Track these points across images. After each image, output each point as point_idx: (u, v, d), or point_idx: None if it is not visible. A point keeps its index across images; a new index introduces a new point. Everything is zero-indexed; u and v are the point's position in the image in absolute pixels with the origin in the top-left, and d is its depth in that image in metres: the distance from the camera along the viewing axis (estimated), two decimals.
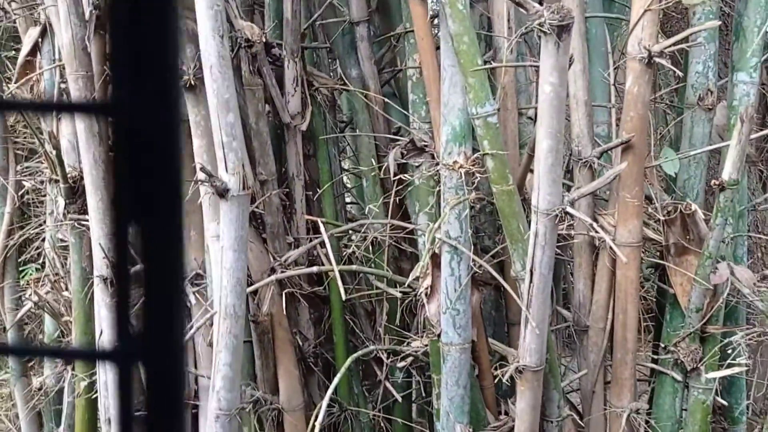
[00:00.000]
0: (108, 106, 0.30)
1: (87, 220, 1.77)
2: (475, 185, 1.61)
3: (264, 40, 1.62)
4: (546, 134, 1.44)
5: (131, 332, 0.28)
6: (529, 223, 1.60)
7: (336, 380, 1.64)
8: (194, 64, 1.45)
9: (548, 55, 1.38)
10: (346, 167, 2.25)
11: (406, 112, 1.88)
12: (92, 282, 1.88)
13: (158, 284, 0.29)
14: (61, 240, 2.12)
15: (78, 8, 1.56)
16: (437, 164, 1.71)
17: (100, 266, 1.65)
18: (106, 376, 1.69)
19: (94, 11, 1.55)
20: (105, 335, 1.70)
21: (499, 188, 1.62)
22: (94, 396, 1.88)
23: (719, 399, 1.83)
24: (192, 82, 1.45)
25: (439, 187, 1.72)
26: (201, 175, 1.39)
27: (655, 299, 2.03)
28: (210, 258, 1.60)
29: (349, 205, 2.28)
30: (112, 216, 0.29)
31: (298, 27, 1.70)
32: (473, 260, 1.68)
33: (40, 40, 2.16)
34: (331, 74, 1.99)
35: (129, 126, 0.29)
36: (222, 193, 1.37)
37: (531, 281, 1.55)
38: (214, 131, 1.40)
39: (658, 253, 1.88)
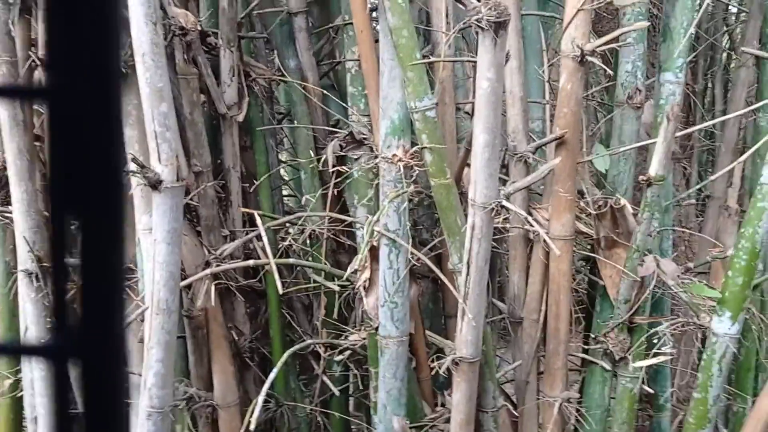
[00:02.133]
0: (44, 90, 0.28)
1: (11, 213, 1.69)
2: (413, 179, 1.62)
3: (199, 28, 1.58)
4: (483, 129, 1.45)
5: (66, 326, 0.26)
6: (466, 216, 1.62)
7: (272, 375, 1.63)
8: (125, 52, 1.40)
9: (485, 51, 1.39)
10: (283, 159, 2.22)
11: (344, 105, 1.87)
12: (16, 277, 1.80)
13: (97, 275, 0.27)
14: None
15: None
16: (376, 157, 1.71)
17: (25, 260, 1.58)
18: (32, 373, 1.62)
19: None
20: (30, 331, 1.62)
21: (437, 182, 1.63)
22: (19, 395, 1.80)
23: (646, 387, 1.90)
24: (123, 70, 1.40)
25: (378, 180, 1.72)
26: (133, 166, 1.34)
27: (586, 291, 2.10)
28: (141, 251, 1.55)
29: (286, 198, 2.25)
30: (48, 206, 0.27)
31: (235, 16, 1.67)
32: (411, 253, 1.69)
33: None
34: (269, 65, 1.96)
35: (66, 111, 0.28)
36: (155, 184, 1.33)
37: (468, 274, 1.57)
38: (147, 121, 1.35)
39: (589, 246, 1.94)
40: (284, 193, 2.20)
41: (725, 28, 3.07)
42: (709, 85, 3.10)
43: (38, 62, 1.56)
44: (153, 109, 1.33)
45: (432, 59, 1.64)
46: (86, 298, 0.27)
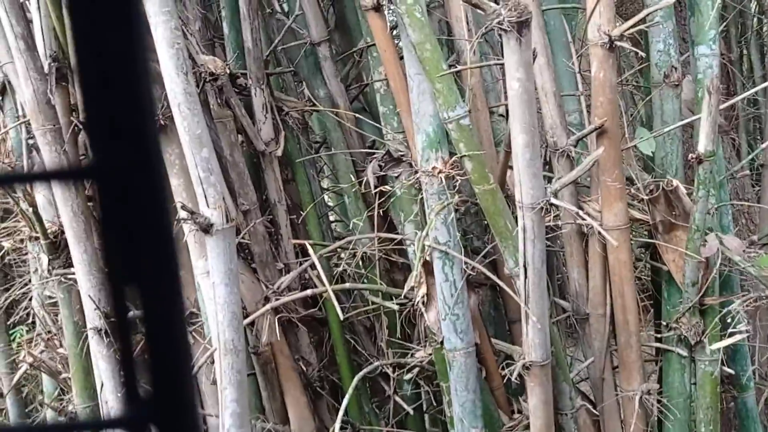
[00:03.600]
0: (88, 170, 0.29)
1: (73, 274, 1.75)
2: (457, 188, 1.61)
3: (228, 71, 1.62)
4: (520, 129, 1.44)
5: (139, 394, 0.27)
6: (515, 218, 1.61)
7: (345, 401, 1.63)
8: (162, 104, 1.44)
9: (511, 52, 1.38)
10: (325, 186, 2.24)
11: (378, 125, 1.88)
12: (86, 336, 1.86)
13: (162, 343, 0.28)
14: (49, 297, 2.09)
15: (36, 62, 1.55)
16: (416, 172, 1.71)
17: (93, 318, 1.63)
18: None
19: (53, 64, 1.54)
20: (106, 386, 1.67)
21: (481, 188, 1.62)
22: None
23: (726, 369, 1.83)
24: (162, 122, 1.44)
25: (422, 194, 1.72)
26: (183, 214, 1.38)
27: (650, 278, 2.04)
28: (202, 295, 1.58)
29: (334, 224, 2.27)
30: (105, 278, 0.28)
31: (261, 55, 1.70)
32: (465, 263, 1.68)
33: (0, 98, 2.14)
34: (299, 96, 1.98)
35: (112, 188, 0.28)
36: (206, 228, 1.36)
37: (526, 276, 1.55)
38: (191, 168, 1.39)
39: (646, 233, 1.89)
40: (331, 218, 2.22)
41: None
42: (745, 52, 3.01)
43: (80, 126, 1.62)
44: (195, 156, 1.37)
45: (459, 68, 1.64)
46: (153, 365, 0.27)
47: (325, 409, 1.91)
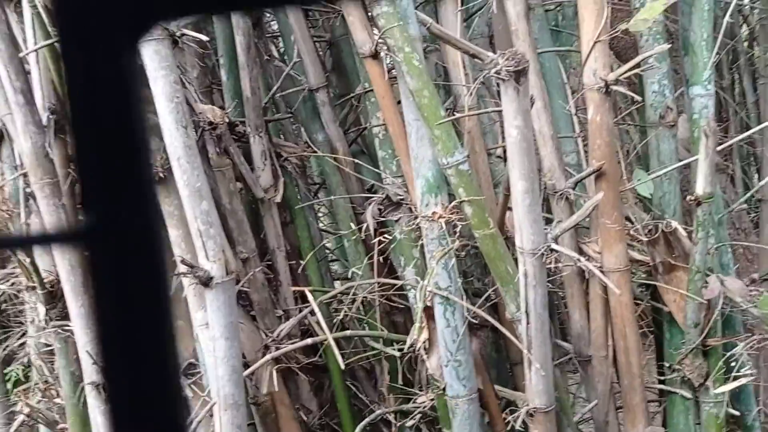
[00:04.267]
0: (83, 233, 0.28)
1: (70, 326, 1.73)
2: (458, 233, 1.61)
3: (227, 120, 1.62)
4: (520, 176, 1.44)
5: None
6: (515, 261, 1.60)
7: None
8: (161, 156, 1.44)
9: (510, 100, 1.39)
10: (324, 229, 2.23)
11: (376, 169, 1.89)
12: (83, 387, 1.83)
13: (157, 401, 0.27)
14: (45, 345, 2.07)
15: (34, 116, 1.55)
16: (416, 217, 1.71)
17: (90, 372, 1.61)
18: None
19: (51, 117, 1.54)
20: None
21: (481, 233, 1.62)
22: None
23: (731, 410, 1.82)
24: (162, 175, 1.43)
25: (422, 239, 1.72)
26: (182, 268, 1.37)
27: (651, 317, 2.03)
28: (201, 346, 1.56)
29: (332, 263, 2.26)
30: (96, 335, 0.27)
31: (259, 102, 1.71)
32: (467, 308, 1.67)
33: None
34: (297, 141, 1.99)
35: (107, 250, 0.27)
36: (206, 282, 1.35)
37: (528, 322, 1.54)
38: (190, 221, 1.38)
39: (644, 273, 1.89)
40: (329, 258, 2.20)
41: (741, 20, 3.02)
42: (736, 77, 3.03)
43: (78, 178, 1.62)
44: (194, 209, 1.36)
45: (458, 115, 1.65)
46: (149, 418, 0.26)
47: None
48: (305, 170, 1.97)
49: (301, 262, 1.87)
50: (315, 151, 1.88)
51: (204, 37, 1.51)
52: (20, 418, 2.00)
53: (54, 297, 1.87)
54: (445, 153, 1.59)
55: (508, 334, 1.63)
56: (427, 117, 1.58)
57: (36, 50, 1.50)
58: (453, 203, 1.63)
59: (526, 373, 1.61)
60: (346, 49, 1.95)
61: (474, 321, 1.69)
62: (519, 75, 1.36)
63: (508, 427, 1.73)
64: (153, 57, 1.32)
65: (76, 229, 0.32)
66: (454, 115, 1.69)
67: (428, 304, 1.69)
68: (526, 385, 1.62)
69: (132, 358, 0.28)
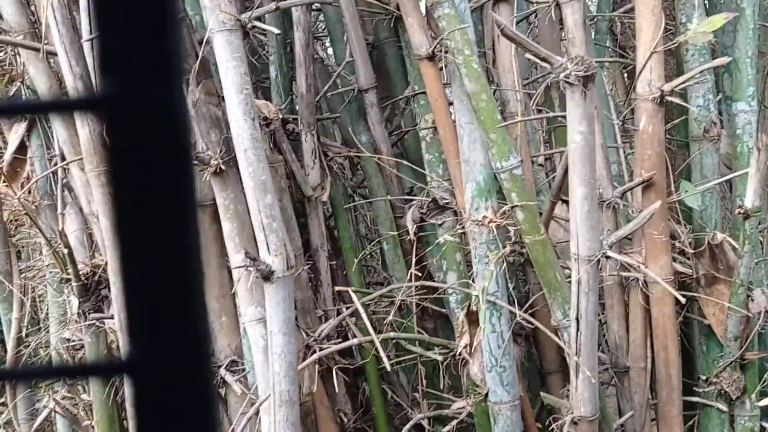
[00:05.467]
0: (101, 100, 0.23)
1: (109, 318, 1.70)
2: (512, 240, 1.60)
3: (281, 116, 1.61)
4: (580, 182, 1.45)
5: None
6: (562, 269, 1.60)
7: None
8: (220, 149, 1.42)
9: (576, 105, 1.40)
10: (362, 232, 2.22)
11: (419, 171, 1.88)
12: (112, 383, 1.79)
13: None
14: (67, 340, 2.03)
15: None
16: (464, 221, 1.70)
17: None
18: None
19: None
20: None
21: (532, 239, 1.62)
22: None
23: (764, 424, 1.82)
24: (221, 167, 1.42)
25: (463, 243, 1.71)
26: (240, 260, 1.35)
27: (682, 330, 2.04)
28: (249, 343, 1.54)
29: (367, 267, 2.25)
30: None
31: (313, 100, 1.70)
32: (512, 314, 1.67)
33: (26, 135, 2.11)
34: (337, 142, 1.98)
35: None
36: (267, 276, 1.33)
37: (578, 330, 1.54)
38: (253, 214, 1.36)
39: (678, 285, 1.89)
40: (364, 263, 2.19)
41: None
42: None
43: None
44: (258, 202, 1.35)
45: (518, 119, 1.65)
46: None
47: None
48: (350, 171, 1.96)
49: (341, 259, 1.86)
50: (361, 152, 1.87)
51: (276, 30, 1.50)
52: (45, 412, 1.96)
53: (87, 290, 1.84)
54: (499, 157, 1.59)
55: (558, 340, 1.63)
56: (484, 120, 1.58)
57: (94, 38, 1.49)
58: (504, 208, 1.63)
59: (572, 381, 1.60)
60: (390, 50, 1.95)
61: (522, 327, 1.69)
62: (587, 80, 1.36)
63: None
64: (225, 47, 1.31)
65: (94, 96, 0.28)
66: (505, 120, 1.69)
67: (474, 308, 1.68)
68: (570, 393, 1.62)
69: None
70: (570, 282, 1.53)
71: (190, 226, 0.25)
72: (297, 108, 1.71)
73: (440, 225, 1.82)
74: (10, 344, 2.01)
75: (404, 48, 1.84)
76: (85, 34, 1.45)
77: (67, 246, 1.77)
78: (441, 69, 1.69)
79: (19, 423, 1.95)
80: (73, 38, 1.47)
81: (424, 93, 1.76)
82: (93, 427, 1.88)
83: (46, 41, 1.55)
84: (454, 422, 1.81)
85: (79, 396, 1.91)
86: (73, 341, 2.00)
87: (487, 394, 1.70)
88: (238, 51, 1.31)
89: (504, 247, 1.62)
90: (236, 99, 1.31)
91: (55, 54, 1.54)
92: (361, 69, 1.80)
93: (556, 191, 1.70)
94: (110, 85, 0.23)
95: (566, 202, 1.62)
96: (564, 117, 1.47)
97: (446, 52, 1.59)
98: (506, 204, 1.64)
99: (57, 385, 1.92)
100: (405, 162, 1.88)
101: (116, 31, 0.24)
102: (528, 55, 1.47)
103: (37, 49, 1.61)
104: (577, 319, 1.53)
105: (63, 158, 1.88)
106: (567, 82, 1.37)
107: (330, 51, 2.10)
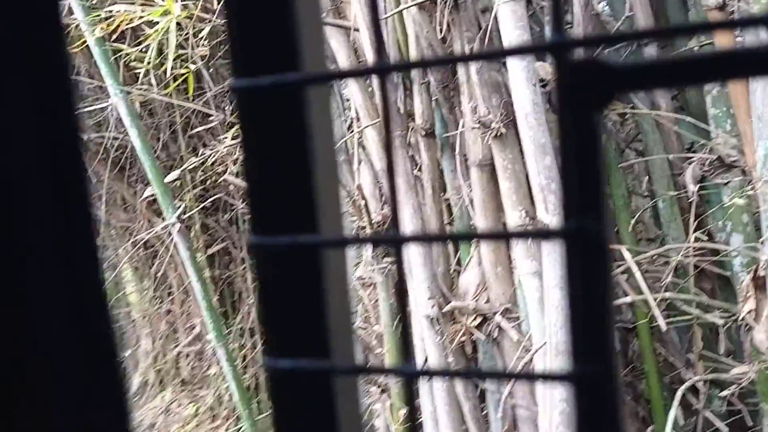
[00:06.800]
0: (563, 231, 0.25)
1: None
2: None
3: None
4: None
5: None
6: None
7: (671, 414, 1.60)
8: (501, 112, 1.52)
9: None
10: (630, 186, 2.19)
11: (702, 126, 1.79)
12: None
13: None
14: (360, 277, 2.33)
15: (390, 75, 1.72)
16: (752, 181, 1.60)
17: (426, 306, 1.78)
18: (433, 405, 1.81)
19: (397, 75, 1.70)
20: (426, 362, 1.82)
21: None
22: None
23: None
24: (502, 131, 1.52)
25: (755, 204, 1.61)
26: (517, 216, 1.44)
27: None
28: (524, 293, 1.65)
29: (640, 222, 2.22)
30: None
31: (590, 56, 1.71)
32: None
33: None
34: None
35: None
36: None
37: None
38: (532, 176, 1.45)
39: None
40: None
41: None
42: None
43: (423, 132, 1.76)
44: (538, 164, 1.43)
45: None
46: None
47: (627, 417, 1.89)
48: (620, 125, 1.94)
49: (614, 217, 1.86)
50: (634, 107, 1.84)
51: None
52: None
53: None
54: None
55: None
56: None
57: (391, 16, 1.67)
58: None
59: None
60: (672, 0, 1.86)
61: None
62: None
63: None
64: (510, 16, 1.38)
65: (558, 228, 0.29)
66: None
67: (763, 273, 1.59)
68: None
69: None
70: None
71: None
72: None
73: (725, 184, 1.73)
74: None
75: None
76: (381, 12, 1.63)
77: (364, 197, 2.03)
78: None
79: None
80: (373, 17, 1.65)
81: (710, 44, 1.67)
82: (382, 354, 2.16)
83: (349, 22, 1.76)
84: (734, 387, 1.75)
85: (372, 327, 2.20)
86: (363, 278, 2.29)
87: None
88: (521, 20, 1.38)
89: None
90: (519, 65, 1.39)
91: (356, 29, 1.75)
92: (642, 23, 1.75)
93: None
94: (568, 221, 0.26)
95: None
96: None
97: (739, 0, 1.48)
98: None
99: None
100: (686, 117, 1.81)
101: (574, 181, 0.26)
102: None
103: (344, 27, 1.85)
104: None
105: (358, 120, 2.14)
106: None
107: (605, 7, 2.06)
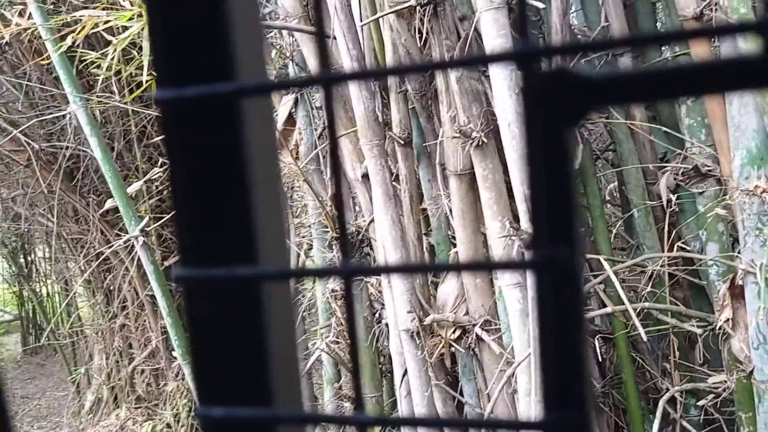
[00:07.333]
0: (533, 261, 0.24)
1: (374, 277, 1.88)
2: None
3: None
4: None
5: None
6: None
7: (656, 425, 1.59)
8: (480, 122, 1.49)
9: None
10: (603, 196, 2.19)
11: (675, 135, 1.80)
12: (373, 331, 1.99)
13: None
14: (332, 290, 2.27)
15: (368, 83, 1.69)
16: (728, 190, 1.61)
17: (406, 320, 1.74)
18: None
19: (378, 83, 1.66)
20: (412, 385, 1.78)
21: None
22: None
23: None
24: (482, 140, 1.49)
25: (730, 213, 1.62)
26: (498, 226, 1.42)
27: None
28: (505, 305, 1.62)
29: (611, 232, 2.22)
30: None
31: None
32: None
33: (294, 107, 2.37)
34: None
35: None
36: (529, 245, 1.39)
37: None
38: (516, 185, 1.42)
39: None
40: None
41: None
42: None
43: (400, 141, 1.73)
44: (521, 173, 1.40)
45: None
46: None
47: (605, 427, 1.88)
48: (601, 137, 1.94)
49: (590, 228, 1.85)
50: (610, 118, 1.84)
51: (541, 5, 1.53)
52: (316, 354, 2.23)
53: (352, 248, 2.04)
54: None
55: None
56: None
57: (367, 23, 1.63)
58: None
59: None
60: (642, 8, 1.88)
61: None
62: None
63: None
64: (491, 24, 1.36)
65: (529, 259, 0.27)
66: None
67: (740, 282, 1.60)
68: None
69: None
70: None
71: None
72: None
73: (700, 193, 1.74)
74: None
75: (662, 8, 1.76)
76: (357, 21, 1.59)
77: (338, 208, 1.97)
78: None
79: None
80: (350, 24, 1.62)
81: (684, 54, 1.68)
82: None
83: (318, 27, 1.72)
84: (711, 396, 1.75)
85: (345, 341, 2.15)
86: (336, 291, 2.24)
87: (752, 372, 1.62)
88: (503, 28, 1.35)
89: None
90: (502, 74, 1.37)
91: (331, 37, 1.71)
92: (617, 32, 1.75)
93: None
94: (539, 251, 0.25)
95: None
96: None
97: (716, 10, 1.49)
98: None
99: (326, 332, 2.17)
100: (661, 127, 1.81)
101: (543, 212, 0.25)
102: None
103: (315, 33, 1.80)
104: None
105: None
106: None
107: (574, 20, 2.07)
